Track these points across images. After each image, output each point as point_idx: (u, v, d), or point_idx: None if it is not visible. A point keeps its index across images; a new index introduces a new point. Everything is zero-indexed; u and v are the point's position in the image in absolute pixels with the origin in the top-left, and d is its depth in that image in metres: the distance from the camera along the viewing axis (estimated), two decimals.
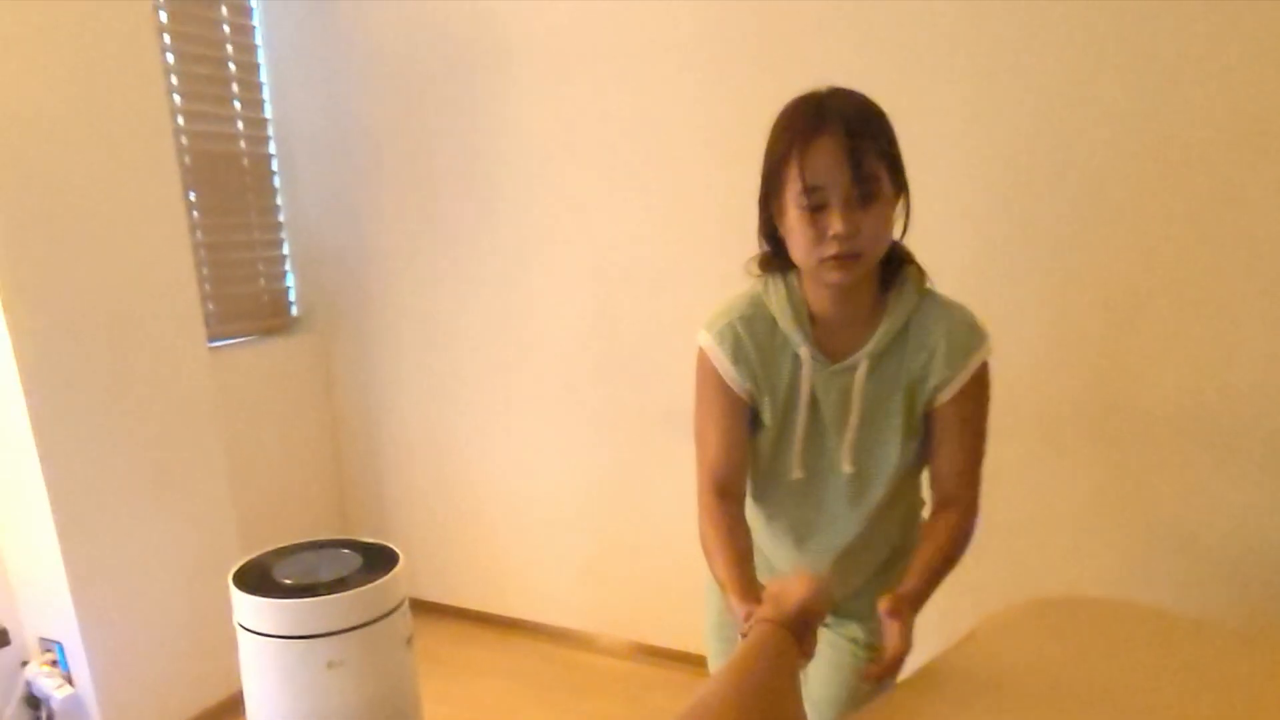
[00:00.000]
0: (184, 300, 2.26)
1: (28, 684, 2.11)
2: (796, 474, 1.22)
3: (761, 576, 1.19)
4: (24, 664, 2.12)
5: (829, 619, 1.34)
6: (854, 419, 1.18)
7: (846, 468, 1.20)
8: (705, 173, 2.27)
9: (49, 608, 2.07)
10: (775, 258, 1.19)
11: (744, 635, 0.96)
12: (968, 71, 1.97)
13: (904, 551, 1.29)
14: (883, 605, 1.01)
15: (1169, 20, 1.80)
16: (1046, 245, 1.98)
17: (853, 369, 1.17)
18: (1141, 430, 1.98)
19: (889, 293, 1.17)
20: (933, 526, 1.18)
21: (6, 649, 2.08)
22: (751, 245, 1.23)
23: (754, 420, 1.24)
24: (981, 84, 1.97)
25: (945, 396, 1.15)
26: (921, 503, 1.35)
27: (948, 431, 1.17)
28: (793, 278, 1.20)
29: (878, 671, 1.00)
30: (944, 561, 1.13)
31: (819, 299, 1.17)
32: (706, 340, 1.22)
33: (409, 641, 1.89)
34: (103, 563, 2.09)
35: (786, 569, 1.32)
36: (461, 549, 2.94)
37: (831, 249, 1.07)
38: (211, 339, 2.47)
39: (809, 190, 1.05)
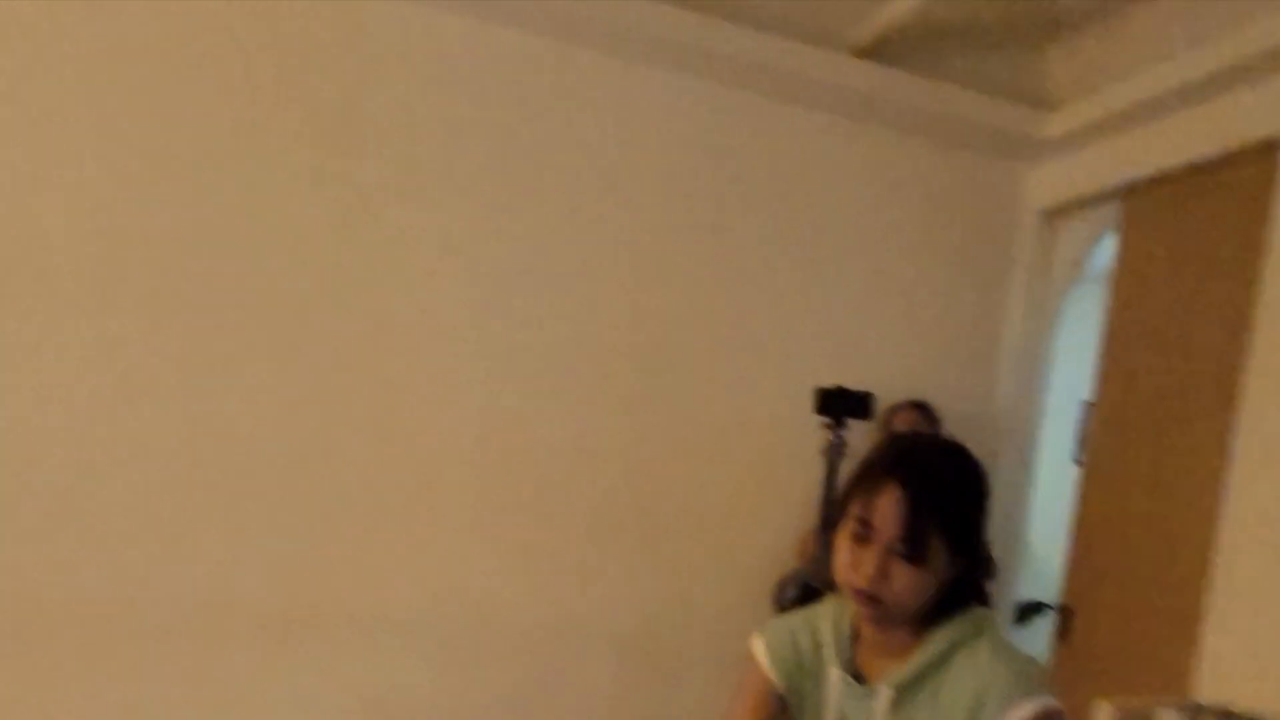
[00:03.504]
0: None
1: None
2: None
3: None
4: None
5: None
6: None
7: None
8: None
9: None
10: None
11: None
12: None
13: None
14: None
15: None
16: None
17: (876, 695, 1.17)
18: None
19: (934, 628, 1.15)
20: None
21: None
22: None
23: None
24: None
25: None
26: None
27: None
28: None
29: None
30: None
31: (860, 618, 1.21)
32: (756, 641, 1.30)
33: None
34: None
35: None
36: None
37: (859, 583, 1.12)
38: None
39: (860, 520, 1.13)
